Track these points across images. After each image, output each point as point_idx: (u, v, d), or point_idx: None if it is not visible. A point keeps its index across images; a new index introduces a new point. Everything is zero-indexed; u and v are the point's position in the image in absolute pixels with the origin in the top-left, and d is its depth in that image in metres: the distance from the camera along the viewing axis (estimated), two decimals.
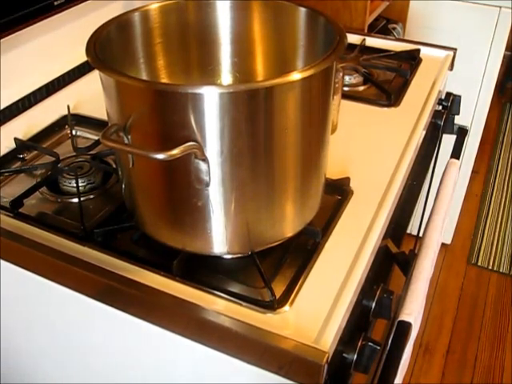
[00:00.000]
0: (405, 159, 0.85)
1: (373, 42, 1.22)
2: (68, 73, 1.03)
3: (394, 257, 0.84)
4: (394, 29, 1.59)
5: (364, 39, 1.21)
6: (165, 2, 0.71)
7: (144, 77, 0.71)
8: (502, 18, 1.53)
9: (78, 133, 0.93)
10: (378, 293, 0.70)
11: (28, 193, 0.76)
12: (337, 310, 0.60)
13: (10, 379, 0.91)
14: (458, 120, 1.14)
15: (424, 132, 0.97)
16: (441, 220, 0.87)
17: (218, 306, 0.61)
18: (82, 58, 1.03)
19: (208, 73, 0.77)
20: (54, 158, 0.83)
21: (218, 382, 0.65)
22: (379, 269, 0.77)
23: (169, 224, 0.64)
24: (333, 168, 0.80)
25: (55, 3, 0.92)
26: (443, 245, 1.98)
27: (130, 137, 0.58)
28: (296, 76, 0.53)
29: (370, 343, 0.62)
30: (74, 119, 0.94)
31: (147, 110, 0.55)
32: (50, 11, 0.92)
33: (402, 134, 0.91)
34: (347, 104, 1.00)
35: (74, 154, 0.85)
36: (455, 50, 1.18)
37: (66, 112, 0.91)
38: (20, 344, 0.83)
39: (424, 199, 1.26)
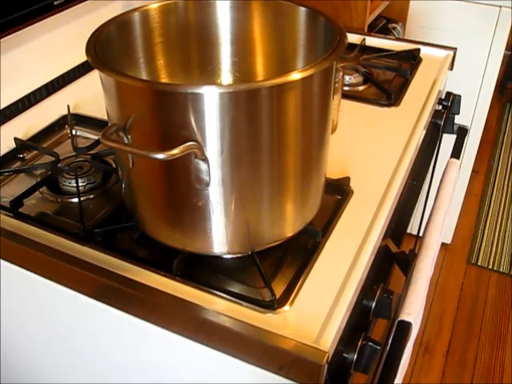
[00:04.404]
0: (405, 159, 0.85)
1: (373, 41, 1.22)
2: (68, 73, 1.03)
3: (394, 256, 0.84)
4: (394, 28, 1.59)
5: (364, 39, 1.21)
6: (165, 2, 0.71)
7: (144, 77, 0.71)
8: (501, 18, 1.53)
9: (78, 133, 0.93)
10: (378, 293, 0.70)
11: (28, 193, 0.76)
12: (337, 310, 0.60)
13: (9, 379, 0.91)
14: (458, 120, 1.14)
15: (424, 132, 0.97)
16: (441, 220, 0.87)
17: (218, 306, 0.61)
18: (82, 57, 1.03)
19: (208, 73, 0.77)
20: (53, 158, 0.83)
21: (218, 382, 0.65)
22: (379, 269, 0.77)
23: (169, 224, 0.64)
24: (333, 168, 0.80)
25: (55, 3, 0.92)
26: (443, 245, 1.98)
27: (129, 137, 0.58)
28: (296, 76, 0.53)
29: (370, 343, 0.62)
30: (74, 119, 0.94)
31: (147, 109, 0.55)
32: (50, 11, 0.92)
33: (401, 134, 0.91)
34: (347, 104, 1.00)
35: (74, 153, 0.85)
36: (455, 49, 1.18)
37: (66, 112, 0.91)
38: (20, 344, 0.83)
39: (424, 199, 1.26)
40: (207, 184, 0.57)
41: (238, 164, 0.57)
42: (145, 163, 0.60)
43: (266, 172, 0.59)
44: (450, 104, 1.12)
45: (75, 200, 0.77)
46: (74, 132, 0.93)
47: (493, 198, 2.26)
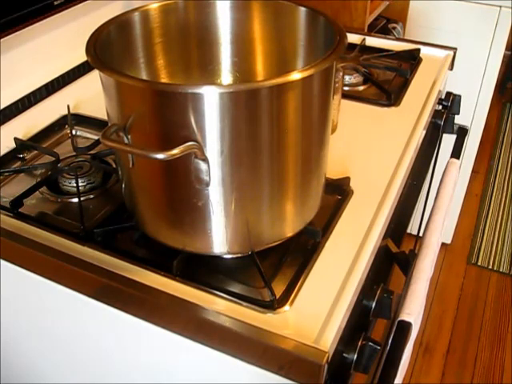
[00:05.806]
0: (405, 159, 0.85)
1: (373, 41, 1.22)
2: (68, 73, 1.03)
3: (394, 256, 0.84)
4: (394, 28, 1.59)
5: (364, 39, 1.21)
6: (165, 2, 0.71)
7: (144, 77, 0.71)
8: (501, 18, 1.53)
9: (78, 133, 0.93)
10: (378, 293, 0.70)
11: (28, 193, 0.76)
12: (337, 310, 0.60)
13: (9, 379, 0.91)
14: (458, 120, 1.14)
15: (424, 132, 0.97)
16: (441, 220, 0.87)
17: (218, 306, 0.61)
18: (82, 57, 1.03)
19: (208, 72, 0.77)
20: (54, 158, 0.83)
21: (218, 382, 0.65)
22: (379, 269, 0.77)
23: (169, 224, 0.64)
24: (333, 168, 0.80)
25: (55, 3, 0.92)
26: (443, 245, 1.98)
27: (130, 137, 0.58)
28: (296, 76, 0.53)
29: (370, 343, 0.62)
30: (74, 119, 0.94)
31: (147, 110, 0.55)
32: (50, 11, 0.92)
33: (401, 134, 0.91)
34: (347, 104, 1.00)
35: (74, 153, 0.85)
36: (455, 49, 1.18)
37: (66, 112, 0.91)
38: (20, 344, 0.83)
39: (424, 199, 1.26)
40: (207, 184, 0.57)
41: (237, 164, 0.57)
42: (145, 163, 0.60)
43: (266, 172, 0.59)
44: (450, 104, 1.12)
45: (75, 200, 0.77)
46: (74, 132, 0.93)
47: (493, 198, 2.26)
